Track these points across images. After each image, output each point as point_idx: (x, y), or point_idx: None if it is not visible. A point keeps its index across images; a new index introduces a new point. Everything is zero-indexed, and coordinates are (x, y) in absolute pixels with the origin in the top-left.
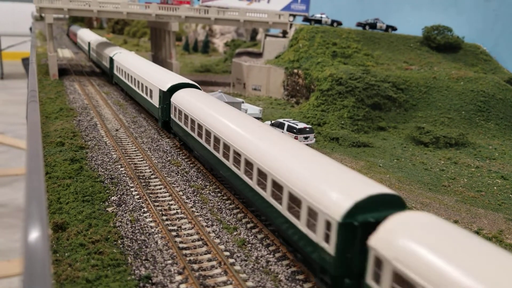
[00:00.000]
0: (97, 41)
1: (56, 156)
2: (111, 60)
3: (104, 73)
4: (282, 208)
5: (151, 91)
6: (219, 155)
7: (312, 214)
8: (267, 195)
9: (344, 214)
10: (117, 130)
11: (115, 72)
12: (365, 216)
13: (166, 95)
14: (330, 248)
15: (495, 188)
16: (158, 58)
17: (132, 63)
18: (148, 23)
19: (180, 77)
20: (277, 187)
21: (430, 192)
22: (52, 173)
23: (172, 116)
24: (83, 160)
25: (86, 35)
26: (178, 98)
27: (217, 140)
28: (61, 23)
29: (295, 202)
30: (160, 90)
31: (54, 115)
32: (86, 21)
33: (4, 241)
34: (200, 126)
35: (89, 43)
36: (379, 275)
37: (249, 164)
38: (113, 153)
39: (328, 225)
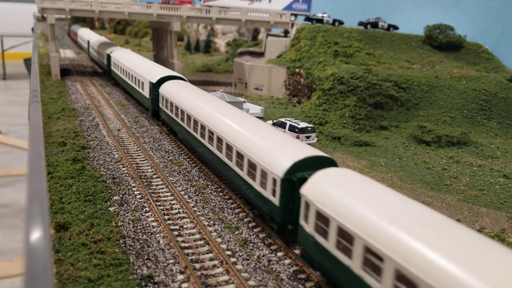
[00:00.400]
0: (95, 40)
1: (58, 156)
2: (108, 57)
3: (106, 73)
4: (243, 173)
5: (142, 83)
6: (198, 136)
7: (264, 175)
8: (232, 164)
9: (285, 171)
10: (119, 130)
11: (112, 68)
12: (302, 173)
13: (155, 87)
14: (276, 200)
15: (497, 187)
16: (160, 58)
17: (127, 59)
18: (149, 23)
19: (168, 70)
20: (240, 156)
21: (432, 191)
22: (54, 173)
23: (160, 105)
24: (85, 160)
25: (86, 34)
26: (165, 89)
27: (196, 122)
28: (63, 23)
29: (252, 167)
30: (150, 82)
31: (56, 115)
32: (88, 21)
33: (6, 242)
34: (183, 112)
35: (88, 42)
36: (307, 215)
37: (220, 141)
38: (115, 153)
39: (274, 181)
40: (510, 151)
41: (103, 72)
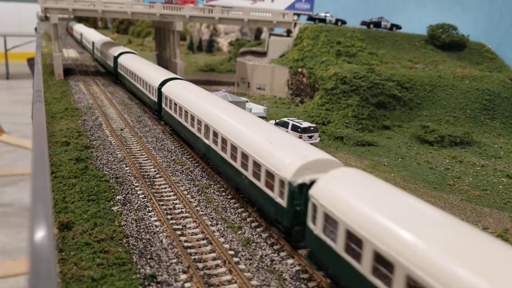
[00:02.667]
0: (86, 32)
1: (62, 155)
2: (93, 44)
3: (92, 56)
4: (147, 92)
5: (109, 57)
6: (138, 85)
7: (152, 89)
8: (145, 90)
9: (158, 85)
10: (122, 129)
11: (95, 52)
12: (167, 85)
13: (116, 58)
14: (155, 98)
15: (500, 187)
16: (163, 58)
17: (103, 44)
18: (152, 22)
19: (125, 48)
20: (144, 84)
21: (435, 191)
22: (57, 172)
23: (119, 70)
24: (88, 160)
25: (80, 28)
26: (121, 59)
27: (137, 76)
28: (66, 23)
29: (150, 88)
30: (113, 56)
31: (59, 114)
32: (91, 21)
33: (10, 241)
34: (128, 70)
35: (81, 34)
36: (164, 101)
37: (143, 81)
38: (118, 152)
39: (154, 91)
40: None
41: (91, 56)
